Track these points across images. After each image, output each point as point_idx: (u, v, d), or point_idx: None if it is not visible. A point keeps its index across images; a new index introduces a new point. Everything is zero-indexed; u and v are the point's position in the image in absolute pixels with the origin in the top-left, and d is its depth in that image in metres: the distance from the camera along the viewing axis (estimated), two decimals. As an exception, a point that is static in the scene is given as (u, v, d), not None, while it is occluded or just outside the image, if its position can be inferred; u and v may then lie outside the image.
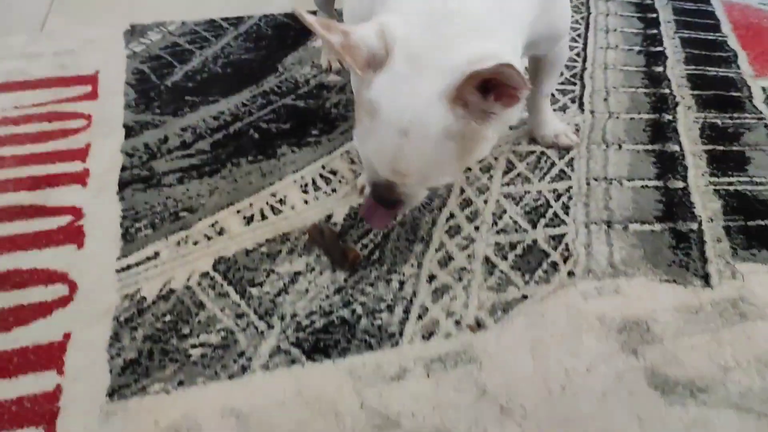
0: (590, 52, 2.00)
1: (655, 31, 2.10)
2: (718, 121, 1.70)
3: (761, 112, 1.74)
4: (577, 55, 1.98)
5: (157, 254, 1.36)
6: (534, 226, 1.41)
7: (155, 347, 1.19)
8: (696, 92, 1.81)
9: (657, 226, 1.41)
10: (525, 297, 1.27)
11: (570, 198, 1.48)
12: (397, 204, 1.20)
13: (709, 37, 2.08)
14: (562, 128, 1.62)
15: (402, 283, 1.30)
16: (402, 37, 1.02)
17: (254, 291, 1.29)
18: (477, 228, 1.41)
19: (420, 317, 1.24)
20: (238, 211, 1.45)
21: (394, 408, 1.10)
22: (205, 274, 1.32)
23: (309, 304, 1.26)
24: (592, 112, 1.74)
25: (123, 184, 1.52)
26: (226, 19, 2.17)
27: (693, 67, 1.93)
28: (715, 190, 1.50)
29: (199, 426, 1.08)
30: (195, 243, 1.38)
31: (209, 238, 1.39)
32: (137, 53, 2.00)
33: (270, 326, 1.22)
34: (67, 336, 1.20)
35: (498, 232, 1.40)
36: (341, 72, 1.89)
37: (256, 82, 1.88)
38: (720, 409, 1.09)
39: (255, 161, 1.59)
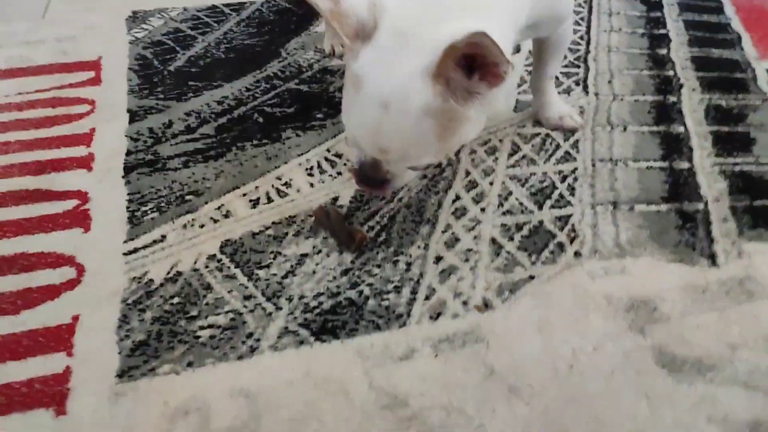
0: (594, 35, 1.99)
1: (658, 14, 2.09)
2: (723, 102, 1.70)
3: (766, 93, 1.73)
4: (581, 38, 1.97)
5: (163, 237, 1.36)
6: (540, 208, 1.41)
7: (164, 329, 1.19)
8: (700, 74, 1.81)
9: (663, 207, 1.41)
10: (532, 277, 1.27)
11: (575, 179, 1.48)
12: (383, 184, 1.21)
13: (713, 20, 2.07)
14: (567, 110, 1.62)
15: (409, 265, 1.30)
16: (391, 10, 1.03)
17: (261, 273, 1.29)
18: (483, 209, 1.41)
19: (427, 298, 1.24)
20: (244, 195, 1.45)
21: (402, 388, 1.10)
22: (212, 257, 1.32)
23: (316, 285, 1.27)
24: (596, 94, 1.73)
25: (128, 169, 1.52)
26: (227, 5, 2.16)
27: (697, 49, 1.92)
28: (720, 170, 1.50)
29: (208, 406, 1.08)
30: (201, 226, 1.38)
31: (216, 221, 1.39)
32: (139, 39, 2.00)
33: (278, 307, 1.23)
34: (75, 318, 1.20)
35: (504, 214, 1.40)
36: (344, 56, 1.88)
37: (259, 67, 1.87)
38: (728, 387, 1.10)
39: (260, 145, 1.59)
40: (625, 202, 1.42)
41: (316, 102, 1.72)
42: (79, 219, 1.39)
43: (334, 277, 1.28)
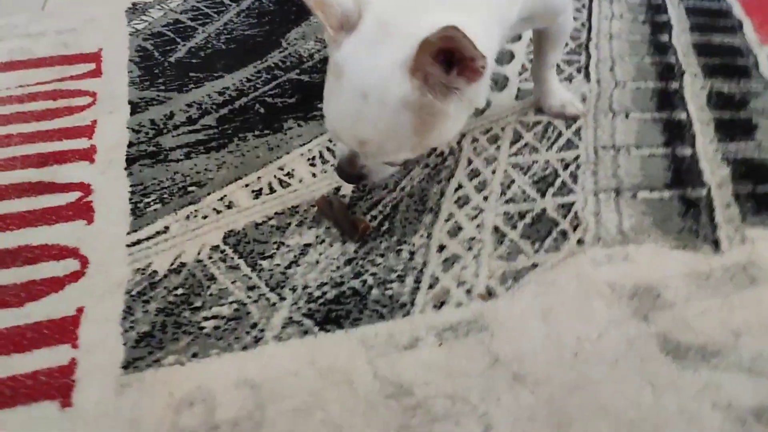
0: (595, 22, 1.98)
1: (659, 1, 2.08)
2: (725, 89, 1.69)
3: (767, 79, 1.73)
4: (582, 25, 1.96)
5: (166, 228, 1.36)
6: (543, 196, 1.41)
7: (168, 320, 1.19)
8: (702, 60, 1.80)
9: (666, 193, 1.41)
10: (535, 265, 1.27)
11: (578, 167, 1.47)
12: (360, 179, 1.21)
13: (714, 6, 2.06)
14: (569, 98, 1.62)
15: (412, 254, 1.30)
16: (375, 2, 1.04)
17: (265, 263, 1.29)
18: (486, 198, 1.41)
19: (431, 287, 1.24)
20: (247, 185, 1.45)
21: (406, 377, 1.10)
22: (215, 248, 1.32)
23: (320, 275, 1.27)
24: (598, 81, 1.73)
25: (130, 160, 1.52)
26: (227, -5, 2.16)
27: (698, 35, 1.91)
28: (723, 156, 1.49)
29: (213, 397, 1.08)
30: (204, 217, 1.38)
31: (218, 212, 1.39)
32: (139, 31, 1.99)
33: (282, 298, 1.23)
34: (80, 310, 1.21)
35: (507, 202, 1.40)
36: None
37: (260, 57, 1.87)
38: (732, 374, 1.09)
39: (261, 135, 1.58)
40: (627, 189, 1.42)
41: (317, 92, 1.69)
42: (82, 211, 1.39)
43: (338, 267, 1.28)
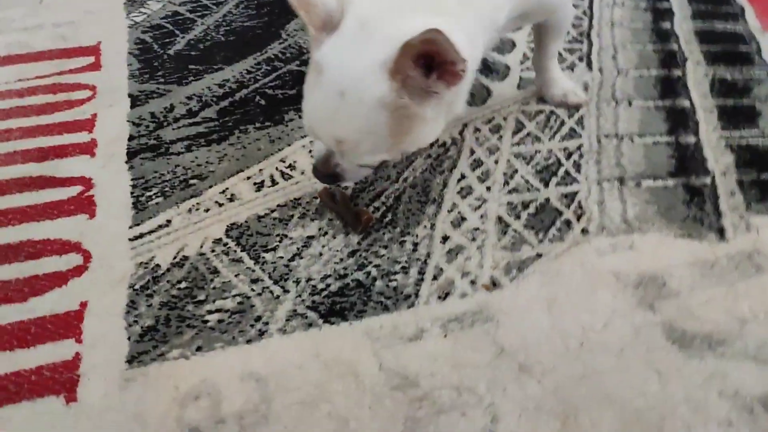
0: (596, 9, 1.97)
1: (661, -12, 2.08)
2: (728, 76, 1.69)
3: (771, 66, 1.72)
4: (584, 13, 1.95)
5: (169, 222, 1.35)
6: (546, 185, 1.40)
7: (172, 314, 1.19)
8: (704, 47, 1.79)
9: (670, 182, 1.40)
10: (539, 255, 1.27)
11: (581, 156, 1.47)
12: (335, 179, 1.21)
13: (716, -7, 2.06)
14: (571, 87, 1.61)
15: (416, 245, 1.29)
16: (357, 2, 1.05)
17: (268, 256, 1.28)
18: (489, 188, 1.40)
19: (435, 278, 1.24)
20: (248, 178, 1.45)
21: (412, 368, 1.10)
22: (218, 241, 1.31)
23: (323, 267, 1.26)
24: (600, 69, 1.72)
25: (131, 154, 1.52)
26: (226, -14, 2.15)
27: (700, 22, 1.91)
28: (727, 144, 1.49)
29: (218, 390, 1.08)
30: (206, 210, 1.38)
31: (220, 205, 1.39)
32: (138, 23, 1.98)
33: (285, 290, 1.22)
34: (83, 305, 1.20)
35: (510, 192, 1.39)
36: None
37: (259, 48, 1.86)
38: (738, 362, 1.09)
39: (263, 127, 1.58)
40: (631, 177, 1.41)
41: (318, 83, 1.71)
42: (84, 205, 1.38)
43: (341, 259, 1.27)
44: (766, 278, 1.22)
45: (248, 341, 1.15)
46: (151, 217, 1.36)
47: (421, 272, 1.25)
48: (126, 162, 1.49)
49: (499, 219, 1.34)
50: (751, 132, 1.52)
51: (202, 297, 1.22)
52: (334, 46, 1.05)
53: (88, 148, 1.52)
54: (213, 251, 1.30)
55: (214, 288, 1.23)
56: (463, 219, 1.34)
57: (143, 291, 1.23)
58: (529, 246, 1.29)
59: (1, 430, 1.04)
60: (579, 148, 1.49)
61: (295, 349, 1.13)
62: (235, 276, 1.25)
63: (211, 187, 1.43)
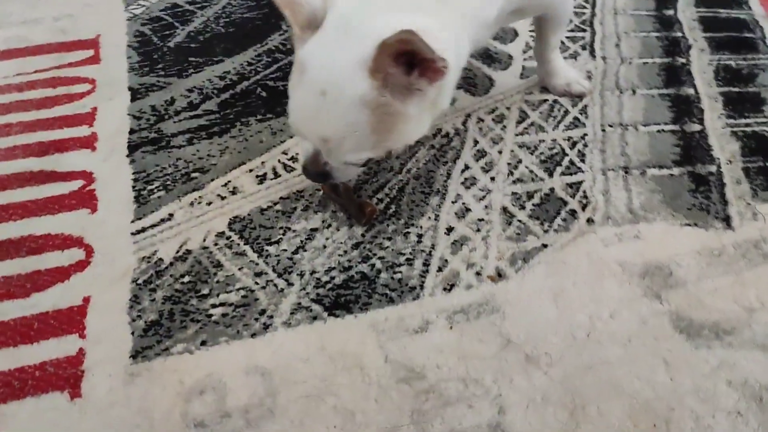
0: (599, -3, 1.96)
1: (663, -25, 2.06)
2: (732, 63, 1.68)
3: (775, 53, 1.71)
4: (586, 1, 1.94)
5: (171, 216, 1.34)
6: (550, 175, 1.39)
7: (175, 308, 1.18)
8: (708, 34, 1.78)
9: (675, 170, 1.39)
10: (545, 246, 1.26)
11: (585, 145, 1.46)
12: (325, 177, 1.21)
13: (719, -21, 2.04)
14: (574, 76, 1.60)
15: (420, 236, 1.29)
16: (340, 1, 1.05)
17: (271, 249, 1.28)
18: (493, 179, 1.39)
19: (440, 269, 1.23)
20: (251, 170, 1.44)
21: (418, 360, 1.09)
22: (221, 234, 1.31)
23: (327, 260, 1.25)
24: (603, 58, 1.71)
25: (132, 147, 1.51)
26: (225, -22, 2.13)
27: (704, 9, 1.90)
28: (732, 131, 1.48)
29: (224, 384, 1.07)
30: (209, 203, 1.37)
31: (223, 198, 1.38)
32: (137, 15, 1.97)
33: (289, 283, 1.22)
34: (86, 300, 1.19)
35: (514, 182, 1.38)
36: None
37: (260, 40, 1.85)
38: (746, 351, 1.09)
39: (264, 120, 1.57)
40: (636, 166, 1.40)
41: (319, 74, 1.70)
42: (86, 199, 1.38)
43: (345, 251, 1.27)
44: (774, 266, 1.21)
45: (253, 335, 1.14)
46: (153, 211, 1.35)
47: (426, 264, 1.24)
48: (127, 156, 1.48)
49: (504, 209, 1.33)
50: (756, 119, 1.51)
51: (205, 291, 1.21)
52: (316, 44, 1.06)
53: (89, 142, 1.51)
54: (216, 245, 1.29)
55: (217, 282, 1.22)
56: (468, 210, 1.33)
57: (146, 285, 1.22)
58: (535, 236, 1.28)
59: (5, 427, 1.03)
60: (583, 137, 1.48)
61: (300, 343, 1.13)
62: (239, 269, 1.24)
63: (213, 180, 1.42)
